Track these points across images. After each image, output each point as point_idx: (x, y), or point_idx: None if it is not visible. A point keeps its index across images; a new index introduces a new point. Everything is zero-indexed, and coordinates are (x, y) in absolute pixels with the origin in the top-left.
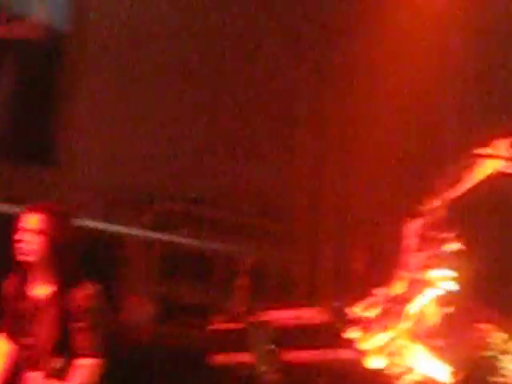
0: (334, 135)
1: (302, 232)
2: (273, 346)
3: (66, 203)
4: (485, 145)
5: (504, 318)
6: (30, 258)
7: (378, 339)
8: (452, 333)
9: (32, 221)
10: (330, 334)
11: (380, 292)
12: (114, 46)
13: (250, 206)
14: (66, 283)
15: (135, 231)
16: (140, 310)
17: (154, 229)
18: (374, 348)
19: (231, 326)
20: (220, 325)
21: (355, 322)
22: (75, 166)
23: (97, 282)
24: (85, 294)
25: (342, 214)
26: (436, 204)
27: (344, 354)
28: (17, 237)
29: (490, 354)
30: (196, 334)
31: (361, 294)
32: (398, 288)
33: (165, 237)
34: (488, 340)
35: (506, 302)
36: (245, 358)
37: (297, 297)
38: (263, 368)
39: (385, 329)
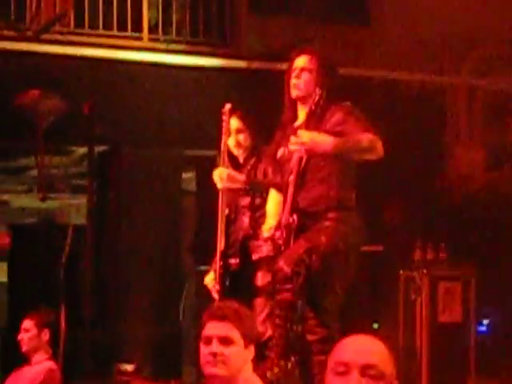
0: None
1: None
2: None
3: (384, 59)
4: None
5: None
6: (301, 94)
7: None
8: None
9: (303, 61)
10: None
11: None
12: None
13: None
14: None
15: (458, 78)
16: (469, 158)
17: (478, 74)
18: None
19: None
20: None
21: None
22: (390, 22)
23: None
24: (343, 107)
25: None
26: None
27: None
28: (292, 76)
29: None
30: None
31: None
32: None
33: (490, 81)
34: None
35: None
36: None
37: None
38: None
39: None
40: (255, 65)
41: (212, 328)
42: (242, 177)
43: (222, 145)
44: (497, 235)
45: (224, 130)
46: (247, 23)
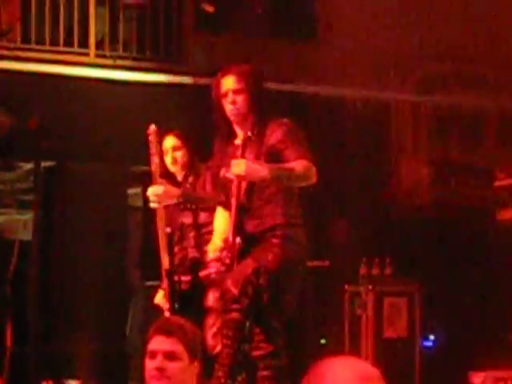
0: None
1: None
2: None
3: (329, 74)
4: None
5: None
6: (239, 117)
7: None
8: None
9: (231, 82)
10: None
11: None
12: None
13: None
14: (263, 126)
15: (403, 95)
16: (414, 173)
17: (421, 91)
18: None
19: None
20: (504, 180)
21: None
22: (338, 37)
23: (371, 148)
24: (283, 124)
25: None
26: None
27: None
28: (226, 101)
29: None
30: (476, 193)
31: None
32: None
33: (434, 98)
34: None
35: None
36: None
37: None
38: None
39: None
40: (202, 81)
41: (157, 343)
42: (178, 191)
43: (152, 165)
44: (442, 250)
45: (151, 150)
46: (194, 39)
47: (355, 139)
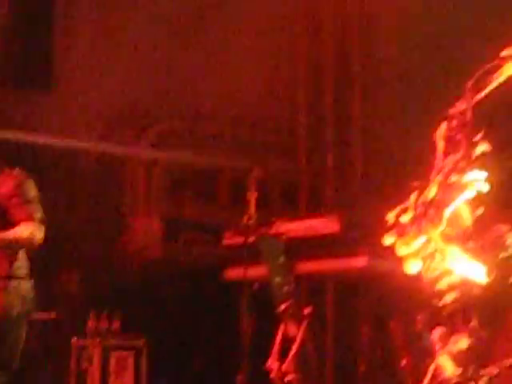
0: (330, 44)
1: (302, 142)
2: (285, 258)
3: (66, 126)
4: None
5: None
6: None
7: (415, 243)
8: (481, 234)
9: None
10: (342, 243)
11: (413, 197)
12: None
13: (249, 120)
14: None
15: (137, 151)
16: (147, 230)
17: (156, 148)
18: (411, 252)
19: (243, 240)
20: (232, 239)
21: (391, 227)
22: (74, 90)
23: (104, 203)
24: (13, 176)
25: (342, 123)
26: (463, 106)
27: (357, 262)
28: None
29: (506, 254)
30: (206, 250)
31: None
32: (431, 192)
33: (168, 155)
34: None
35: None
36: (258, 271)
37: (301, 208)
38: (277, 280)
39: (420, 233)
40: None
41: None
42: None
43: None
44: (170, 306)
45: None
46: None
47: (89, 192)
